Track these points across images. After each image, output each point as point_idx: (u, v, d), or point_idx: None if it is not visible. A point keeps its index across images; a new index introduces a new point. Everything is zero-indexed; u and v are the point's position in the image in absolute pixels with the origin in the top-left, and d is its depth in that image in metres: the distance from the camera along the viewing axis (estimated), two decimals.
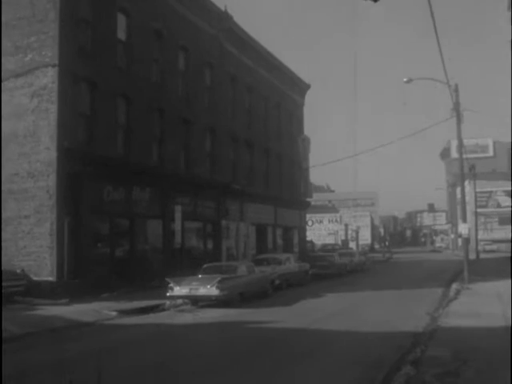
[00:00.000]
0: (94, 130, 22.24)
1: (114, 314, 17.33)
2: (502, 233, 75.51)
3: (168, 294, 19.57)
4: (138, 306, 18.51)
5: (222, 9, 31.80)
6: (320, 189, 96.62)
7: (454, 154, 71.63)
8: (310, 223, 61.16)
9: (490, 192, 77.75)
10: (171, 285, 19.57)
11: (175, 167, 27.45)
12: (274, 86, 39.68)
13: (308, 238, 51.14)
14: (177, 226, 25.84)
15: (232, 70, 33.39)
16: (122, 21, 24.19)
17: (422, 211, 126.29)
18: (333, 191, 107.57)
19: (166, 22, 27.00)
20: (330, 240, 65.86)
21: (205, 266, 22.15)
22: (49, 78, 20.59)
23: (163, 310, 19.09)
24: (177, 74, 28.23)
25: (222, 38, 32.38)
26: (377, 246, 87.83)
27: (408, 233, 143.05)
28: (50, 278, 20.00)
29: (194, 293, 19.34)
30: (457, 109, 27.64)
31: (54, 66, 20.57)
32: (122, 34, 24.26)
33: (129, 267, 23.55)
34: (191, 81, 29.24)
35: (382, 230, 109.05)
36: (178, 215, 25.78)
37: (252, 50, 36.08)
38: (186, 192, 27.67)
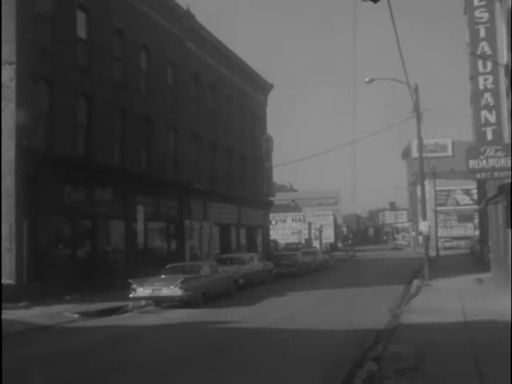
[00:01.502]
0: (53, 129, 21.82)
1: (76, 316, 17.05)
2: (461, 230, 77.19)
3: (131, 296, 19.35)
4: (101, 308, 18.25)
5: (184, 7, 31.63)
6: (283, 188, 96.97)
7: (415, 154, 72.78)
8: (273, 222, 61.39)
9: (449, 190, 79.30)
10: (134, 286, 19.36)
11: (137, 167, 27.17)
12: (237, 85, 39.67)
13: (271, 238, 51.30)
14: (139, 226, 25.60)
15: (194, 69, 33.24)
16: (81, 18, 23.78)
17: (383, 210, 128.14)
18: (296, 190, 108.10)
19: (127, 20, 26.69)
20: (293, 239, 66.17)
21: (168, 266, 22.00)
22: (6, 76, 20.10)
23: (126, 311, 18.88)
24: (139, 73, 27.94)
25: (185, 37, 32.21)
26: (340, 245, 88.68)
27: (370, 231, 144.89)
28: (10, 281, 19.52)
29: (157, 293, 19.18)
30: (416, 109, 28.13)
31: (11, 63, 20.09)
32: (82, 32, 23.85)
33: (91, 268, 23.19)
34: (153, 80, 28.98)
35: (344, 229, 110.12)
36: (140, 215, 25.54)
37: (214, 49, 35.99)
38: (149, 192, 27.42)
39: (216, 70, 36.37)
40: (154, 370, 10.08)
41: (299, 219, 70.80)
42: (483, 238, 33.93)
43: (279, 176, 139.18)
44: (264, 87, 45.07)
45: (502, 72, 16.25)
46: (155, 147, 28.87)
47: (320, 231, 70.56)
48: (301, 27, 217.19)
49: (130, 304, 19.43)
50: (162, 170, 29.29)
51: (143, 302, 19.79)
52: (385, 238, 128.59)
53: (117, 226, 25.68)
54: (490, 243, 25.30)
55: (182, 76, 31.97)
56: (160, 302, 19.78)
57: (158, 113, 29.18)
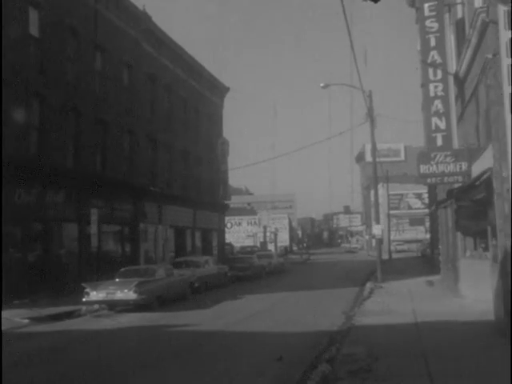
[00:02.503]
0: (4, 130, 21.25)
1: (26, 321, 16.68)
2: (413, 233, 78.85)
3: (84, 300, 19.07)
4: (52, 313, 17.90)
5: (141, 8, 31.37)
6: (239, 191, 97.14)
7: (369, 158, 74.10)
8: (228, 225, 61.42)
9: (402, 194, 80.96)
10: (87, 290, 19.08)
11: (91, 169, 26.76)
12: (193, 88, 39.56)
13: (227, 241, 51.28)
14: (93, 229, 25.18)
15: (150, 70, 32.98)
16: (34, 15, 23.27)
17: (338, 213, 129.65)
18: (251, 194, 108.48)
19: (81, 19, 26.26)
20: (248, 242, 66.33)
21: (122, 269, 21.75)
22: None
23: (79, 315, 18.59)
24: (93, 74, 27.53)
25: (141, 38, 31.93)
26: (295, 248, 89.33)
27: (325, 234, 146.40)
28: None
29: (110, 297, 18.95)
30: (370, 114, 28.69)
31: None
32: (34, 30, 23.33)
33: (43, 272, 22.68)
34: (108, 81, 28.62)
35: (299, 232, 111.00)
36: (94, 218, 25.13)
37: (171, 51, 35.82)
38: (103, 194, 27.04)
39: (172, 72, 36.19)
40: (104, 375, 9.96)
41: (254, 222, 71.03)
42: (434, 241, 34.78)
43: (235, 179, 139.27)
44: (220, 90, 45.09)
45: (451, 80, 16.76)
46: (110, 149, 28.50)
47: (275, 234, 70.94)
48: (259, 31, 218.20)
49: (83, 308, 19.13)
50: (117, 172, 28.95)
51: (97, 306, 19.52)
52: (339, 241, 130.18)
53: (70, 229, 25.23)
54: (439, 246, 25.95)
55: (138, 78, 31.68)
56: (114, 306, 19.55)
57: (113, 114, 28.82)
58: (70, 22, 25.41)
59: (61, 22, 24.76)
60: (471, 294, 16.59)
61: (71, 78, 25.76)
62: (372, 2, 8.69)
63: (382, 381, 8.14)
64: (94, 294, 19.01)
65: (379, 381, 8.14)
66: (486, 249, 15.42)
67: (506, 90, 11.10)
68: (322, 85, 29.45)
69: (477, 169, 14.60)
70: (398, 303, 17.69)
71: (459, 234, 18.87)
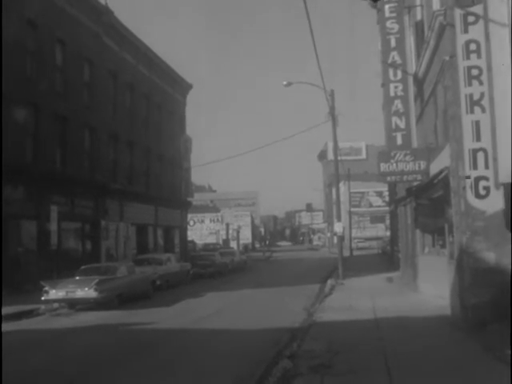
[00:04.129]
0: None
1: None
2: (374, 231, 80.00)
3: (43, 298, 18.77)
4: (10, 312, 17.49)
5: (103, 3, 30.96)
6: (201, 189, 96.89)
7: (331, 156, 74.79)
8: (191, 223, 61.23)
9: (363, 193, 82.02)
10: (46, 288, 18.79)
11: (51, 165, 26.31)
12: (155, 84, 39.27)
13: (189, 238, 51.13)
14: (52, 226, 24.76)
15: (112, 66, 32.60)
16: None
17: (300, 211, 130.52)
18: (214, 191, 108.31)
19: (41, 11, 25.76)
20: (211, 239, 66.30)
21: (82, 267, 21.47)
22: None
23: (38, 314, 18.27)
24: (53, 68, 27.05)
25: (102, 33, 31.52)
26: (257, 245, 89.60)
27: (287, 232, 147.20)
28: None
29: (70, 296, 18.70)
30: (332, 113, 29.00)
31: None
32: None
33: (0, 271, 22.22)
34: (69, 76, 28.16)
35: (262, 229, 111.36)
36: (53, 215, 24.71)
37: (133, 46, 35.48)
38: (63, 191, 26.62)
39: (134, 69, 35.86)
40: (63, 375, 9.86)
41: (217, 220, 71.03)
42: (393, 239, 35.38)
43: (198, 177, 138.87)
44: (183, 87, 44.87)
45: (410, 80, 17.08)
46: (70, 146, 28.07)
47: (238, 232, 71.04)
48: (223, 27, 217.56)
49: (42, 307, 18.82)
50: (78, 168, 28.54)
51: (56, 305, 19.23)
52: (301, 238, 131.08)
53: (29, 226, 24.77)
54: (399, 243, 26.42)
55: (99, 73, 31.27)
56: (74, 305, 19.30)
57: (74, 110, 28.38)
58: (28, 14, 24.90)
59: (19, 14, 24.24)
60: (429, 290, 16.98)
61: (30, 72, 25.27)
62: (372, 2, 8.87)
63: (342, 376, 8.28)
64: (54, 293, 18.73)
65: (339, 376, 8.28)
66: (443, 246, 15.79)
67: (463, 91, 11.40)
68: (284, 83, 29.65)
69: (435, 167, 14.94)
70: (359, 299, 17.96)
71: (418, 232, 19.27)
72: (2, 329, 15.10)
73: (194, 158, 44.90)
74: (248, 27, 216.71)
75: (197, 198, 61.33)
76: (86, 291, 18.53)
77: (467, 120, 11.36)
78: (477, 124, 11.27)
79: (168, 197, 40.14)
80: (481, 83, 11.27)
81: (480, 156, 11.24)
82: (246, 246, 64.81)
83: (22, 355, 11.74)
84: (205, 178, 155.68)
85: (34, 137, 25.42)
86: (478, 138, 11.26)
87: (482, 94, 11.26)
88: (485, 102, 11.24)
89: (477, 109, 11.28)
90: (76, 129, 28.68)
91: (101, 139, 31.18)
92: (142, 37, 36.50)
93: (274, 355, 10.28)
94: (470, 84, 11.33)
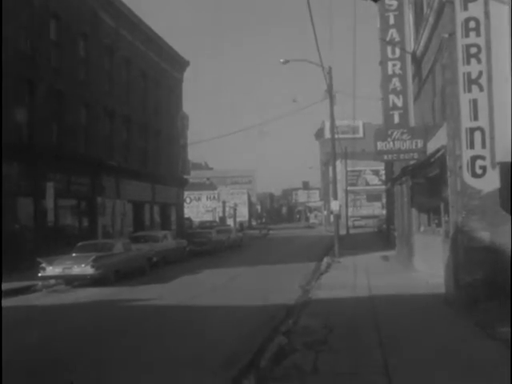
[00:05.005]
0: None
1: None
2: (370, 209, 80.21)
3: (40, 275, 18.86)
4: (7, 288, 17.56)
5: None
6: (198, 166, 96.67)
7: (328, 134, 74.61)
8: (187, 200, 61.29)
9: (360, 171, 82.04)
10: (43, 265, 18.87)
11: (47, 142, 26.19)
12: (152, 61, 38.94)
13: (186, 215, 51.19)
14: (49, 203, 24.77)
15: (108, 42, 32.28)
16: None
17: (297, 189, 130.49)
18: (211, 169, 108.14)
19: None
20: (207, 217, 66.38)
21: (79, 244, 21.53)
22: None
23: (35, 291, 18.37)
24: (48, 44, 26.76)
25: (99, 8, 31.14)
26: (254, 223, 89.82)
27: (284, 210, 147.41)
28: None
29: (67, 272, 18.79)
30: (330, 91, 28.86)
31: None
32: None
33: None
34: (64, 51, 27.88)
35: (259, 207, 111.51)
36: (49, 192, 24.70)
37: (129, 22, 35.07)
38: (59, 168, 26.54)
39: (131, 44, 35.51)
40: (61, 350, 9.94)
41: (214, 197, 71.08)
42: (390, 217, 35.48)
43: (194, 154, 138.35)
44: (180, 64, 44.52)
45: (408, 58, 16.99)
46: (66, 122, 27.91)
47: (234, 209, 71.14)
48: (221, 3, 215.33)
49: (39, 284, 18.93)
50: (74, 145, 28.42)
51: (53, 282, 19.33)
52: (298, 216, 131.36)
53: (25, 204, 24.73)
54: (395, 222, 26.51)
55: (96, 49, 30.97)
56: (71, 281, 19.40)
57: (69, 86, 28.15)
58: None
59: None
60: (424, 269, 17.09)
61: (25, 47, 25.02)
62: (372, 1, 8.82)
63: (337, 352, 8.37)
64: (51, 269, 18.81)
65: (333, 352, 8.37)
66: (439, 225, 15.87)
67: (461, 69, 11.34)
68: (281, 60, 29.42)
69: (432, 146, 14.94)
70: (354, 277, 18.08)
71: (414, 210, 19.33)
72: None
73: (190, 135, 44.67)
74: (246, 4, 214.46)
75: (193, 176, 61.24)
76: (82, 268, 18.61)
77: (465, 99, 11.32)
78: (474, 103, 11.23)
79: (165, 174, 40.09)
80: (479, 61, 11.21)
81: (477, 135, 11.23)
82: (241, 224, 64.79)
83: (19, 331, 11.81)
84: (202, 156, 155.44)
85: (30, 113, 25.25)
86: (476, 117, 11.24)
87: (480, 73, 11.21)
88: (483, 81, 11.19)
89: (474, 87, 11.23)
90: (72, 105, 28.49)
91: (97, 115, 31.01)
92: (138, 12, 36.16)
93: (270, 331, 10.39)
94: (468, 62, 11.26)
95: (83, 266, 18.61)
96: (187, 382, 7.62)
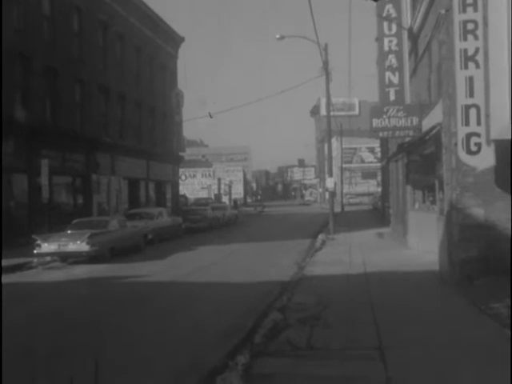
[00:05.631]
0: None
1: None
2: (365, 187, 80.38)
3: (35, 252, 18.87)
4: (2, 265, 17.58)
5: None
6: (193, 143, 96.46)
7: (323, 112, 74.32)
8: (183, 177, 61.19)
9: (355, 148, 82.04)
10: (38, 242, 18.87)
11: (41, 119, 26.02)
12: (146, 37, 38.53)
13: (181, 193, 51.18)
14: (43, 180, 24.66)
15: (103, 17, 31.87)
16: None
17: (292, 166, 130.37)
18: (206, 146, 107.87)
19: None
20: (203, 194, 66.34)
21: (74, 221, 21.54)
22: None
23: (30, 268, 18.40)
24: (41, 19, 26.41)
25: None
26: (249, 200, 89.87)
27: (279, 187, 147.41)
28: None
29: (63, 249, 18.81)
30: (326, 67, 28.68)
31: None
32: None
33: None
34: (57, 26, 27.53)
35: (254, 185, 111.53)
36: (44, 169, 24.58)
37: None
38: (54, 145, 26.40)
39: (125, 20, 35.08)
40: (58, 325, 9.99)
41: (209, 175, 70.96)
42: (385, 195, 35.56)
43: (190, 131, 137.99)
44: (175, 40, 44.08)
45: (405, 35, 16.86)
46: (60, 98, 27.69)
47: (229, 187, 71.10)
48: None
49: (35, 260, 18.94)
50: (68, 122, 28.24)
51: (48, 259, 19.36)
52: (293, 194, 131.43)
53: (19, 180, 24.66)
54: (390, 199, 26.58)
55: (89, 24, 30.59)
56: (66, 258, 19.44)
57: (63, 62, 27.87)
58: None
59: None
60: (418, 246, 17.19)
61: (17, 23, 24.68)
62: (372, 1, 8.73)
63: (331, 327, 8.44)
64: (46, 246, 18.82)
65: (328, 328, 8.43)
66: (433, 202, 15.91)
67: (457, 45, 11.26)
68: (277, 36, 29.18)
69: (427, 124, 14.91)
70: (349, 254, 18.16)
71: (409, 188, 19.36)
72: None
73: (186, 112, 44.49)
74: None
75: (189, 153, 61.08)
76: (78, 245, 18.64)
77: (461, 75, 11.26)
78: (470, 80, 11.19)
79: (160, 151, 39.96)
80: (476, 38, 11.14)
81: (472, 112, 11.20)
82: (235, 201, 64.63)
83: (17, 307, 11.85)
84: (197, 133, 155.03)
85: (23, 89, 25.03)
86: (471, 94, 11.20)
87: (477, 49, 11.15)
88: (479, 58, 11.13)
89: (471, 64, 11.17)
90: (66, 81, 28.23)
91: (91, 92, 30.77)
92: None
93: (265, 307, 10.45)
94: (465, 39, 11.19)
95: (78, 242, 18.63)
96: (181, 359, 7.67)
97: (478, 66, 11.14)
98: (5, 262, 17.93)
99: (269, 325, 8.79)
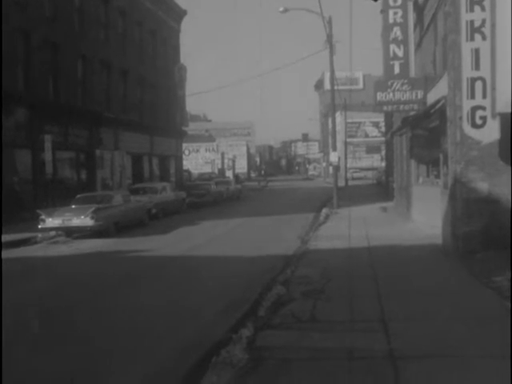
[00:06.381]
0: None
1: None
2: (369, 161, 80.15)
3: (40, 227, 18.95)
4: (7, 240, 17.68)
5: None
6: (197, 118, 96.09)
7: (327, 86, 73.77)
8: (186, 152, 61.09)
9: (359, 123, 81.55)
10: (43, 216, 18.94)
11: (43, 94, 25.90)
12: (148, 11, 38.11)
13: (185, 167, 51.16)
14: (47, 156, 24.67)
15: None
16: None
17: (296, 141, 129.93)
18: (210, 121, 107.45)
19: None
20: (206, 169, 66.29)
21: (78, 196, 21.59)
22: None
23: (35, 243, 18.50)
24: None
25: None
26: (253, 175, 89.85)
27: (283, 162, 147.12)
28: None
29: (67, 224, 18.88)
30: (330, 40, 28.39)
31: None
32: None
33: None
34: (58, 1, 27.22)
35: (258, 159, 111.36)
36: (47, 145, 24.56)
37: None
38: (56, 121, 26.33)
39: None
40: (66, 300, 10.07)
41: (213, 149, 70.81)
42: (388, 169, 35.47)
43: (193, 106, 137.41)
44: (177, 13, 43.60)
45: (410, 6, 16.61)
46: (62, 73, 27.53)
47: (233, 161, 71.02)
48: None
49: (39, 235, 19.03)
50: (71, 97, 28.11)
51: (53, 233, 19.44)
52: (297, 168, 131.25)
53: (23, 156, 24.65)
54: (394, 174, 26.50)
55: None
56: (71, 233, 19.52)
57: (65, 37, 27.63)
58: None
59: None
60: (422, 220, 17.19)
61: None
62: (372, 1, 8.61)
63: (334, 301, 8.49)
64: (50, 221, 18.89)
65: (331, 301, 8.48)
66: (437, 176, 15.86)
67: (464, 17, 11.10)
68: (280, 9, 28.82)
69: (432, 97, 14.78)
70: (352, 228, 18.18)
71: (413, 162, 19.29)
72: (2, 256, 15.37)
73: (189, 86, 44.17)
74: None
75: (192, 128, 60.89)
76: (82, 219, 18.70)
77: (467, 48, 11.12)
78: (476, 52, 11.05)
79: (163, 126, 39.84)
80: (483, 9, 10.97)
81: (478, 85, 11.09)
82: (237, 176, 64.47)
83: (23, 281, 11.96)
84: (200, 108, 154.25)
85: (25, 64, 24.87)
86: (477, 67, 11.07)
87: (484, 21, 10.98)
88: (486, 29, 10.97)
89: (477, 36, 11.02)
90: (68, 56, 28.03)
91: (93, 67, 30.57)
92: None
93: (268, 281, 10.50)
94: (471, 10, 11.02)
95: (83, 217, 18.69)
96: (187, 331, 7.74)
97: (484, 38, 10.99)
98: (9, 237, 18.06)
99: (272, 298, 8.85)
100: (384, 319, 7.36)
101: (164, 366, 6.43)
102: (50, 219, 18.88)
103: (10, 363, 6.37)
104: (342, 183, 43.83)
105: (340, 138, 61.50)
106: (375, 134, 79.61)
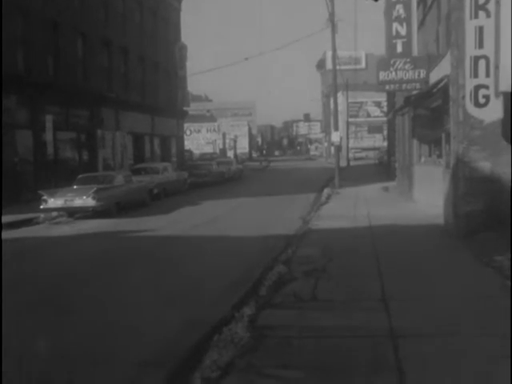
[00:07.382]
0: None
1: None
2: (371, 141, 79.86)
3: (42, 207, 18.98)
4: (9, 221, 17.73)
5: None
6: (198, 98, 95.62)
7: (329, 65, 73.24)
8: (188, 132, 60.89)
9: (361, 102, 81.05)
10: (45, 197, 18.96)
11: (44, 74, 25.74)
12: None
13: (186, 148, 51.06)
14: (48, 136, 24.63)
15: None
16: None
17: (298, 121, 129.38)
18: (211, 101, 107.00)
19: None
20: (208, 149, 66.13)
21: (80, 176, 21.60)
22: None
23: (37, 223, 18.54)
24: None
25: None
26: (254, 155, 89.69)
27: (285, 142, 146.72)
28: None
29: (69, 204, 18.92)
30: (331, 19, 28.13)
31: None
32: None
33: None
34: None
35: (259, 139, 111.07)
36: (48, 125, 24.51)
37: None
38: (57, 101, 26.20)
39: None
40: (70, 278, 10.12)
41: (214, 129, 70.56)
42: (390, 149, 35.36)
43: (194, 86, 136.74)
44: None
45: None
46: (62, 53, 27.32)
47: (235, 141, 70.83)
48: None
49: (41, 216, 19.07)
50: (71, 77, 27.95)
51: (55, 214, 19.48)
52: (298, 148, 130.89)
53: (24, 136, 24.57)
54: (396, 154, 26.43)
55: None
56: (73, 213, 19.57)
57: (64, 15, 27.38)
58: None
59: None
60: (424, 199, 17.17)
61: None
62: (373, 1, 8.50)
63: (335, 280, 8.51)
64: (52, 202, 18.92)
65: (332, 280, 8.51)
66: (440, 155, 15.81)
67: None
68: None
69: (435, 76, 14.69)
70: (354, 208, 18.20)
71: (415, 142, 19.23)
72: (4, 236, 15.41)
73: (190, 66, 43.96)
74: None
75: (193, 108, 60.58)
76: (84, 200, 18.73)
77: (470, 25, 11.00)
78: (480, 30, 10.92)
79: (164, 106, 39.67)
80: None
81: (481, 63, 10.98)
82: (236, 156, 64.15)
83: (27, 260, 12.01)
84: (202, 88, 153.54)
85: (24, 44, 24.68)
86: (481, 45, 10.95)
87: None
88: (490, 6, 10.83)
89: (481, 13, 10.89)
90: (68, 35, 27.81)
91: (94, 46, 30.35)
92: None
93: (270, 261, 10.52)
94: None
95: (84, 197, 18.71)
96: (188, 311, 7.78)
97: (488, 15, 10.86)
98: (11, 218, 18.10)
99: (274, 277, 8.87)
100: (385, 298, 7.39)
101: (168, 342, 6.47)
102: (52, 200, 18.90)
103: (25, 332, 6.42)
104: (343, 163, 43.79)
105: (342, 117, 61.22)
106: (377, 114, 79.15)
